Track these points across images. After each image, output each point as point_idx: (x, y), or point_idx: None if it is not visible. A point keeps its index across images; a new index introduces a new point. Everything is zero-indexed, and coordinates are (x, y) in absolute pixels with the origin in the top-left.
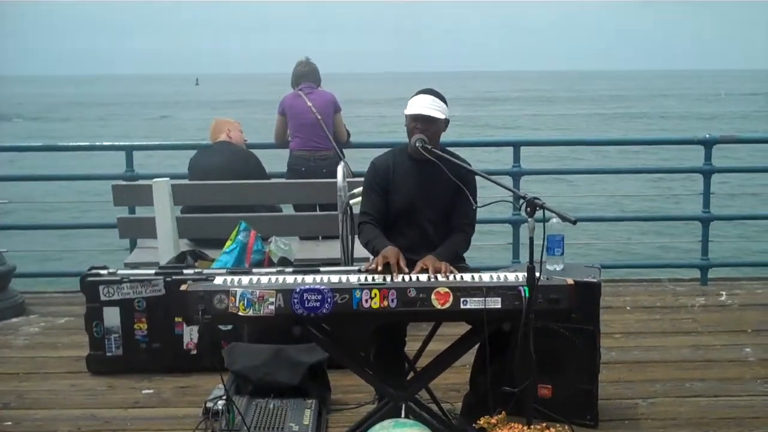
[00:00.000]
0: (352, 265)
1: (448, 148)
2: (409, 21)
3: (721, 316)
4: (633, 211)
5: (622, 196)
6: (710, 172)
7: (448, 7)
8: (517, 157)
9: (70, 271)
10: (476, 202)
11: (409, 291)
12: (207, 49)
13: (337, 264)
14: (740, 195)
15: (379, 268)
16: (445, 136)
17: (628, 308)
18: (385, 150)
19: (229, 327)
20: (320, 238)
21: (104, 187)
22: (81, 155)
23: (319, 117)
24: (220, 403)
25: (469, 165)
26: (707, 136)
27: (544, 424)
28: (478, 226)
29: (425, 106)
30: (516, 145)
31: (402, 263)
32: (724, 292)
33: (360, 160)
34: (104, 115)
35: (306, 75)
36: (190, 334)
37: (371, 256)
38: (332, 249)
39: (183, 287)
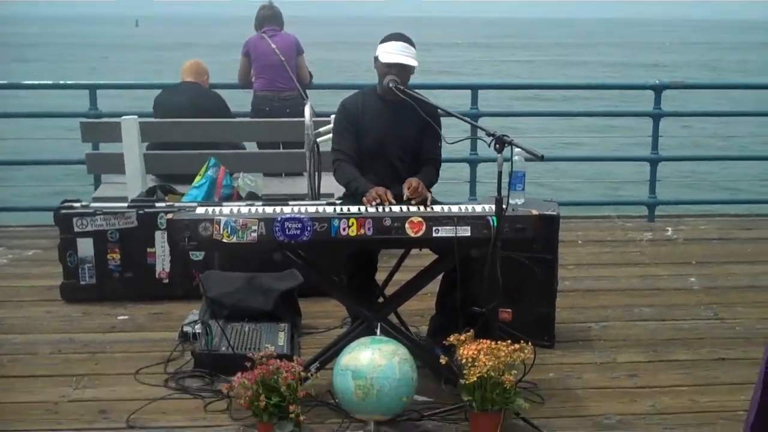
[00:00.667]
0: (318, 200)
1: (416, 90)
2: None
3: (667, 250)
4: (586, 151)
5: (574, 138)
6: (659, 115)
7: None
8: (474, 100)
9: (36, 206)
10: (440, 138)
11: (385, 220)
12: None
13: (303, 199)
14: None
15: (375, 202)
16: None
17: (579, 242)
18: (351, 92)
19: (200, 257)
20: (283, 174)
21: (67, 124)
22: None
23: (283, 59)
24: (197, 326)
25: (436, 104)
26: (657, 81)
27: (509, 341)
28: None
29: (401, 53)
30: (474, 88)
31: (390, 196)
32: (670, 228)
33: (323, 102)
34: (37, 57)
35: (270, 18)
36: (162, 264)
37: (335, 193)
38: (296, 185)
39: (168, 216)
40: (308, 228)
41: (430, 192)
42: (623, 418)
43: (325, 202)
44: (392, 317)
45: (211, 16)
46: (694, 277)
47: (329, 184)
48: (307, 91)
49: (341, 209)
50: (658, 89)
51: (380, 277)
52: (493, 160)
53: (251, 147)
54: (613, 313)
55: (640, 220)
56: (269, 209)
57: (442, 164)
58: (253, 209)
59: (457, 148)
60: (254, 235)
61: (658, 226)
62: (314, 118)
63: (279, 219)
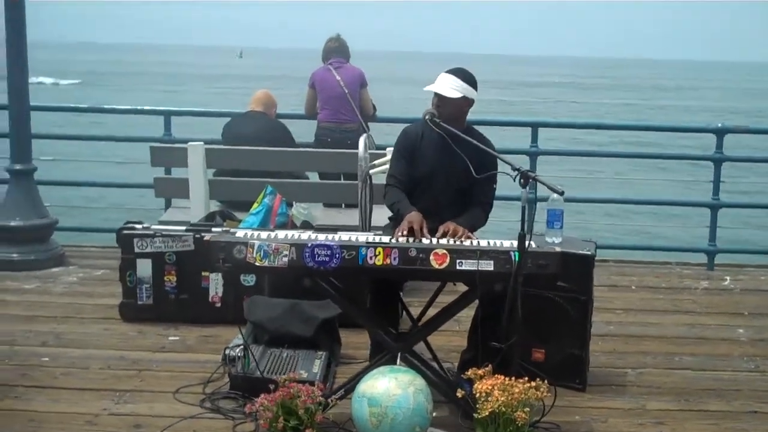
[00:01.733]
0: (369, 231)
1: (473, 127)
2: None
3: (721, 299)
4: (646, 195)
5: (633, 180)
6: (721, 160)
7: None
8: (534, 138)
9: (108, 228)
10: (491, 179)
11: (410, 251)
12: (249, 23)
13: (356, 230)
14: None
15: (404, 232)
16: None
17: (633, 287)
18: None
19: (252, 283)
20: (343, 206)
21: (143, 150)
22: (121, 120)
23: (347, 91)
24: (238, 349)
25: (492, 145)
26: (720, 125)
27: (527, 379)
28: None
29: (441, 84)
30: (534, 126)
31: (425, 229)
32: (728, 277)
33: (384, 134)
34: (146, 84)
35: (336, 50)
36: (216, 288)
37: (386, 222)
38: (353, 217)
39: (207, 237)
40: (337, 255)
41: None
42: None
43: (372, 233)
44: (424, 350)
45: (311, 50)
46: (743, 328)
47: (381, 216)
48: (370, 124)
49: (373, 238)
50: (720, 133)
51: (416, 311)
52: (541, 198)
53: (314, 177)
54: (652, 360)
55: (698, 268)
56: (304, 236)
57: (505, 201)
58: (289, 235)
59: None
60: (285, 259)
61: (716, 275)
62: (371, 150)
63: (309, 245)
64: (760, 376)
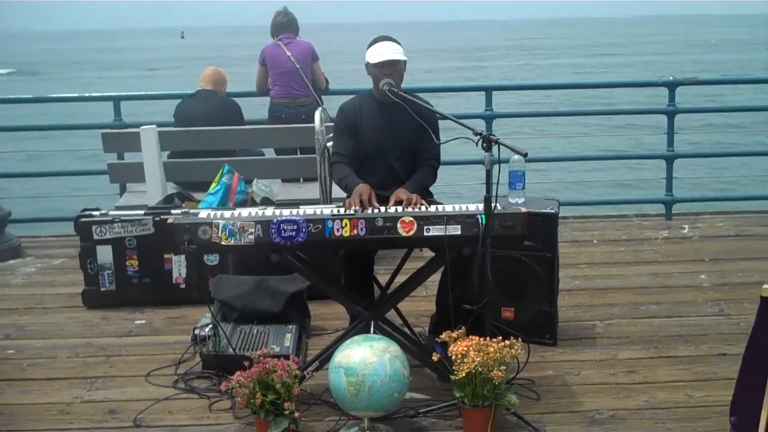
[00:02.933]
0: (330, 203)
1: (415, 93)
2: None
3: (681, 248)
4: (602, 150)
5: (588, 137)
6: (674, 112)
7: None
8: (489, 102)
9: (64, 216)
10: (439, 139)
11: (377, 220)
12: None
13: (317, 204)
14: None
15: (355, 207)
16: (420, 83)
17: (594, 241)
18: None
19: (215, 262)
20: (301, 180)
21: (94, 136)
22: (68, 107)
23: (298, 66)
24: (207, 329)
25: (431, 105)
26: (671, 78)
27: (500, 337)
28: (455, 168)
29: (389, 51)
30: (488, 90)
31: (373, 199)
32: (686, 226)
33: (337, 106)
34: (91, 71)
35: (285, 25)
36: (179, 270)
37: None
38: (313, 190)
39: (170, 220)
40: (303, 229)
41: (429, 196)
42: (616, 413)
43: (334, 205)
44: (396, 317)
45: (258, 26)
46: (704, 274)
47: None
48: (324, 97)
49: (338, 210)
50: (671, 86)
51: (384, 279)
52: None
53: (270, 153)
54: (619, 311)
55: (657, 219)
56: (268, 212)
57: (464, 165)
58: (253, 212)
59: (473, 151)
60: (251, 237)
61: (674, 224)
62: (326, 123)
63: (275, 221)
64: (725, 320)
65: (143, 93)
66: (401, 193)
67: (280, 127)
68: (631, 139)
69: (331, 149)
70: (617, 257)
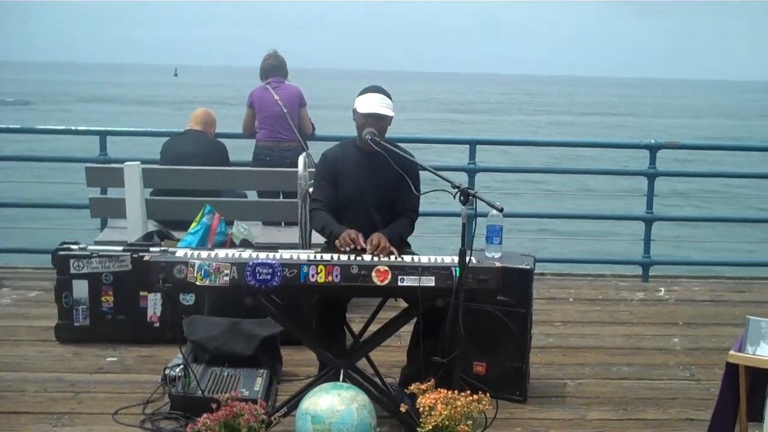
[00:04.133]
0: (309, 248)
1: (398, 143)
2: (390, 20)
3: (656, 310)
4: (582, 209)
5: (570, 195)
6: (654, 175)
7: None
8: (473, 155)
9: (43, 248)
10: (419, 191)
11: (352, 268)
12: (186, 39)
13: (296, 248)
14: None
15: (350, 247)
16: (405, 133)
17: (570, 300)
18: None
19: (191, 302)
20: (282, 224)
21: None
22: (56, 140)
23: (285, 110)
24: (178, 369)
25: (413, 156)
26: (652, 141)
27: (469, 392)
28: (433, 220)
29: (377, 104)
30: (472, 144)
31: (360, 239)
32: (663, 288)
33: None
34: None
35: (274, 68)
36: (154, 308)
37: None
38: (293, 234)
39: (146, 257)
40: (278, 273)
41: (406, 247)
42: None
43: (313, 251)
44: (367, 366)
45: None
46: (677, 337)
47: None
48: (309, 143)
49: (314, 256)
50: (653, 148)
51: (358, 327)
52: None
53: (253, 196)
54: (590, 370)
55: (634, 280)
56: (245, 254)
57: (445, 218)
58: (230, 254)
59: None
60: (226, 278)
61: (651, 286)
62: (310, 169)
63: (250, 264)
64: (695, 384)
65: (130, 129)
66: (375, 237)
67: (264, 171)
68: (612, 198)
69: (311, 195)
70: (592, 316)
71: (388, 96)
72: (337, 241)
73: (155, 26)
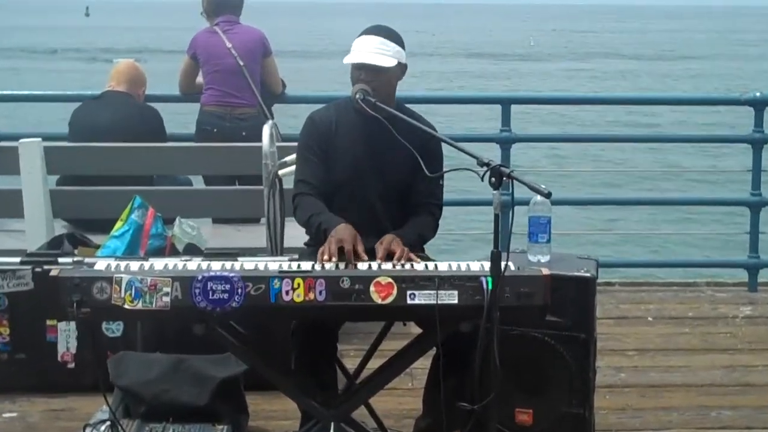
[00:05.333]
0: (281, 254)
1: (409, 106)
2: None
3: None
4: (661, 193)
5: (642, 172)
6: (762, 142)
7: None
8: (506, 119)
9: None
10: (442, 175)
11: (342, 281)
12: None
13: (263, 254)
14: None
15: (333, 258)
16: (412, 91)
17: (649, 319)
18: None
19: (118, 333)
20: (239, 221)
21: None
22: None
23: (242, 62)
24: (104, 427)
25: (433, 128)
26: (758, 94)
27: None
28: (453, 212)
29: (370, 51)
30: (505, 103)
31: (360, 248)
32: None
33: (294, 121)
34: None
35: (225, 3)
36: (67, 343)
37: (303, 244)
38: (255, 235)
39: (53, 272)
40: (239, 291)
41: (419, 250)
42: None
43: (286, 258)
44: (367, 418)
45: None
46: None
47: (297, 232)
48: (277, 107)
49: (288, 266)
50: (758, 105)
51: (353, 363)
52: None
53: (198, 182)
54: (679, 417)
55: (737, 289)
56: (192, 265)
57: (470, 209)
58: (171, 265)
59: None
60: (166, 299)
61: (761, 298)
62: (278, 143)
63: (200, 278)
64: None
65: (25, 93)
66: (395, 243)
67: (213, 146)
68: (702, 177)
69: (294, 176)
70: (680, 342)
71: (394, 39)
72: (320, 251)
73: None
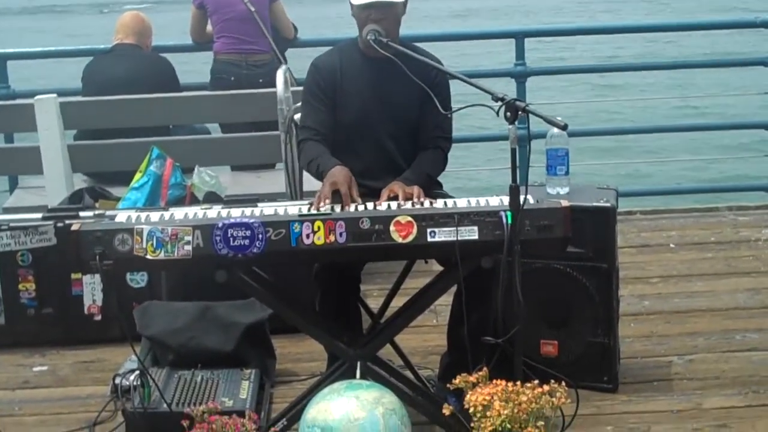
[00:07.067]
0: (301, 199)
1: (417, 44)
2: None
3: None
4: (677, 118)
5: (659, 101)
6: None
7: None
8: (520, 53)
9: None
10: (450, 109)
11: (362, 222)
12: None
13: (282, 200)
14: None
15: (326, 201)
16: (423, 29)
17: (672, 246)
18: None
19: (143, 284)
20: (259, 168)
21: None
22: None
23: (253, 8)
24: (133, 377)
25: (441, 64)
26: None
27: (536, 383)
28: (469, 148)
29: None
30: (518, 36)
31: (354, 191)
32: None
33: (308, 65)
34: None
35: None
36: (92, 295)
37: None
38: (274, 181)
39: (74, 226)
40: (260, 236)
41: (437, 187)
42: None
43: (305, 202)
44: (393, 356)
45: None
46: None
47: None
48: (289, 52)
49: (307, 209)
50: None
51: (376, 303)
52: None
53: (216, 131)
54: (705, 342)
55: (759, 212)
56: (212, 213)
57: (486, 144)
58: (191, 213)
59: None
60: (188, 248)
61: None
62: (293, 88)
63: (221, 225)
64: None
65: (37, 49)
66: (396, 186)
67: (229, 95)
68: (719, 101)
69: (299, 122)
70: (703, 267)
71: None
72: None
73: None
